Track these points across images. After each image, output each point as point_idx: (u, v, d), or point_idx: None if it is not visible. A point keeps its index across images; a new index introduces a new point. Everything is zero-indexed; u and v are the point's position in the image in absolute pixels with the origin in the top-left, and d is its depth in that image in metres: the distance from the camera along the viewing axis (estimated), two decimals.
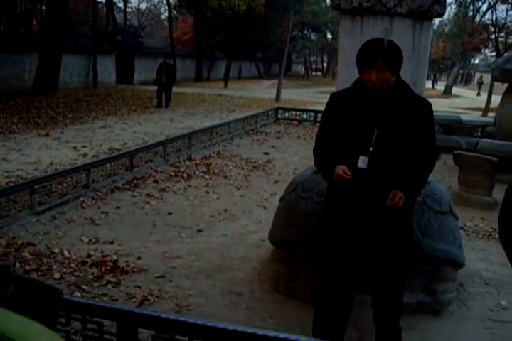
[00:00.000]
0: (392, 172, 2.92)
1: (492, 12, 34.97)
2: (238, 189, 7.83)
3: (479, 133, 11.37)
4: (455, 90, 43.38)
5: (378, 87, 2.87)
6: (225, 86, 32.52)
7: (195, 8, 31.88)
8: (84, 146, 10.37)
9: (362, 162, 2.89)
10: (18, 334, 0.48)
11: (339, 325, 3.17)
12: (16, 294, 0.49)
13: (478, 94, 41.49)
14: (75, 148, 10.20)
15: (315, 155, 3.14)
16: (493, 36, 33.23)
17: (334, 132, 3.00)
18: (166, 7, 38.66)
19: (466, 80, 65.04)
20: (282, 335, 2.08)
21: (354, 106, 2.96)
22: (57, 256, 4.87)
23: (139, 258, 4.93)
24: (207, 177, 8.47)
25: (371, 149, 2.89)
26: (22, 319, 0.50)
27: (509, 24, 34.18)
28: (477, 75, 50.64)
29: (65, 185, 6.86)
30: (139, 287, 4.30)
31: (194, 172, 8.71)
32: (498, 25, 33.25)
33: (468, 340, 3.72)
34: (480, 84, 42.43)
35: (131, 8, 52.01)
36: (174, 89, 19.15)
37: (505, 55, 15.82)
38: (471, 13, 37.61)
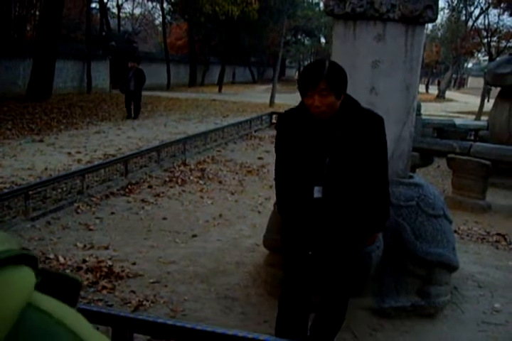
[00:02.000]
0: (348, 197, 2.91)
1: (484, 17, 35.23)
2: (233, 194, 7.84)
3: (472, 137, 11.43)
4: (448, 94, 43.56)
5: (323, 112, 2.77)
6: (219, 91, 32.55)
7: (189, 14, 31.93)
8: (78, 152, 10.36)
9: (317, 192, 2.87)
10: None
11: (300, 325, 3.20)
12: (41, 284, 0.52)
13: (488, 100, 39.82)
14: (69, 153, 10.19)
15: (276, 184, 3.12)
16: (485, 40, 33.41)
17: (288, 161, 2.97)
18: (160, 12, 38.76)
19: (460, 84, 65.32)
20: (275, 339, 2.09)
21: (302, 133, 2.89)
22: (52, 261, 4.86)
23: (133, 263, 4.93)
24: (201, 182, 8.48)
25: (324, 178, 2.86)
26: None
27: (501, 28, 34.42)
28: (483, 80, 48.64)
29: (59, 190, 6.85)
30: (134, 292, 4.30)
31: (188, 178, 8.71)
32: (491, 30, 33.44)
33: None
34: (489, 90, 39.04)
35: (125, 13, 52.06)
36: (169, 95, 19.08)
37: (498, 59, 15.89)
38: (463, 18, 37.82)
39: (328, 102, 2.73)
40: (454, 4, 37.57)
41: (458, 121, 12.18)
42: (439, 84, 47.95)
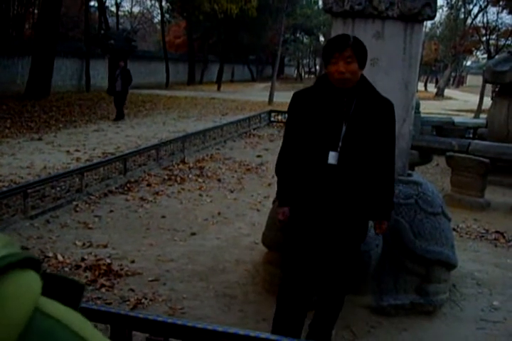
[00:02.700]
0: (361, 167, 2.94)
1: (483, 14, 35.30)
2: (231, 192, 7.83)
3: (471, 135, 11.43)
4: (447, 92, 43.55)
5: (346, 78, 2.86)
6: (218, 89, 32.56)
7: (188, 12, 31.92)
8: (77, 150, 10.36)
9: (332, 158, 2.90)
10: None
11: (296, 322, 3.19)
12: (44, 288, 0.51)
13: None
14: (68, 152, 10.18)
15: (280, 158, 3.17)
16: (484, 38, 33.42)
17: (301, 132, 3.00)
18: (159, 11, 38.75)
19: (458, 82, 65.31)
20: (273, 337, 2.09)
21: (320, 102, 2.95)
22: (51, 260, 4.85)
23: (132, 261, 4.93)
24: (200, 180, 8.47)
25: (340, 144, 2.90)
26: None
27: (500, 26, 34.41)
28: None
29: (58, 189, 6.85)
30: (133, 290, 4.29)
31: (187, 176, 8.71)
32: (489, 28, 33.43)
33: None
34: (494, 88, 38.10)
35: (124, 11, 51.94)
36: (167, 93, 19.03)
37: (497, 57, 15.88)
38: (462, 16, 37.79)
39: (351, 69, 2.84)
40: (453, 2, 37.51)
41: (457, 119, 12.19)
42: (437, 82, 47.96)
